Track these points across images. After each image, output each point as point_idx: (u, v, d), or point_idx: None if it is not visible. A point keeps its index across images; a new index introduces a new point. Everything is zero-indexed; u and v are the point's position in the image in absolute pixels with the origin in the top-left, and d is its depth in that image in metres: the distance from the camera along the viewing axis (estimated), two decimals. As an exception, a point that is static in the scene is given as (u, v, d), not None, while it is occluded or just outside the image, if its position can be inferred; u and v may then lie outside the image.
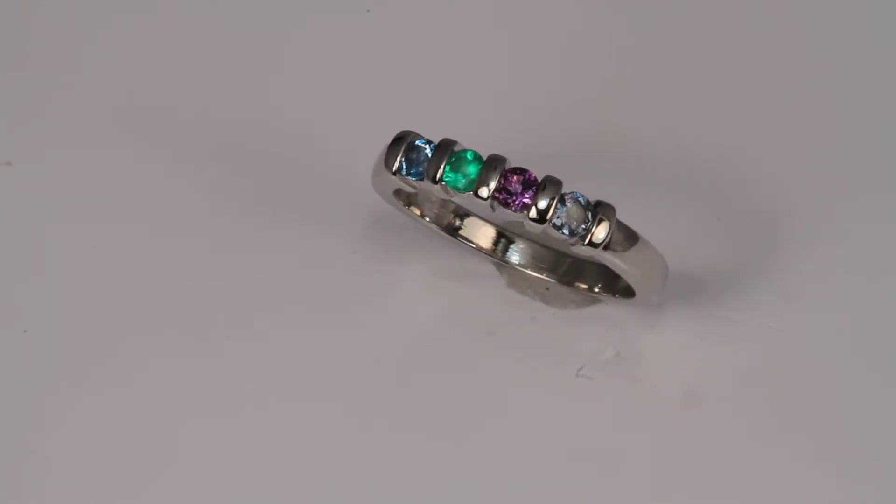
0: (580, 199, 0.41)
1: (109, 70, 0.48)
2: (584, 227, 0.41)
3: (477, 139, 0.42)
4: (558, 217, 0.41)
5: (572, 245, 0.42)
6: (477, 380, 0.44)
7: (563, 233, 0.41)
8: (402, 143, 0.42)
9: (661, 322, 0.45)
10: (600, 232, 0.41)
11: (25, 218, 0.45)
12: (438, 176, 0.41)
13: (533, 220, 0.41)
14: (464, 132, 0.42)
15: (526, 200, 0.41)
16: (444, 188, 0.41)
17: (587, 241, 0.41)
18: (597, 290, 0.45)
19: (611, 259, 0.42)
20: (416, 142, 0.42)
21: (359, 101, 0.47)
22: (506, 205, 0.41)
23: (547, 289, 0.46)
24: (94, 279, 0.45)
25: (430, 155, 0.41)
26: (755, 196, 0.47)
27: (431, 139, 0.42)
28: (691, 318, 0.45)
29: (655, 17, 0.49)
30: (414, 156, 0.42)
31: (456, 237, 0.45)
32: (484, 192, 0.41)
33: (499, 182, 0.41)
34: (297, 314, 0.44)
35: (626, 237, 0.42)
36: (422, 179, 0.41)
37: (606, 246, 0.41)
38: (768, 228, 0.46)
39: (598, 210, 0.41)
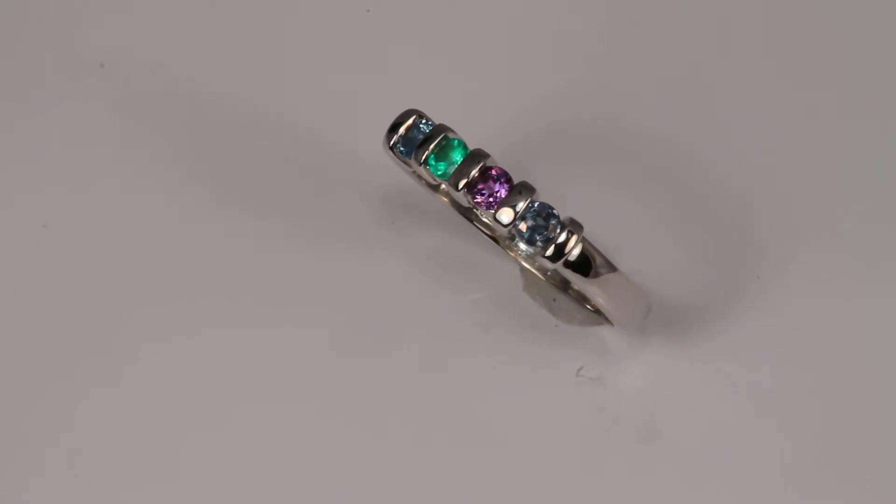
0: (552, 210, 0.42)
1: (108, 68, 0.49)
2: (549, 236, 0.41)
3: (477, 133, 0.43)
4: (522, 221, 0.42)
5: (536, 254, 0.42)
6: (450, 372, 0.45)
7: (524, 237, 0.42)
8: (405, 121, 0.43)
9: (646, 353, 0.44)
10: (563, 245, 0.41)
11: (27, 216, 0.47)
12: (423, 158, 0.42)
13: (499, 220, 0.42)
14: (465, 127, 0.43)
15: (496, 199, 0.42)
16: (428, 172, 0.43)
17: (548, 251, 0.41)
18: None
19: (580, 283, 0.42)
20: (419, 122, 0.43)
21: (359, 99, 0.48)
22: (477, 201, 0.42)
23: (554, 300, 0.46)
24: (112, 262, 0.46)
25: (423, 137, 0.43)
26: (749, 220, 0.46)
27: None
28: (674, 352, 0.44)
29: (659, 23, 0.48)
30: (411, 135, 0.43)
31: (471, 220, 0.46)
32: (460, 182, 0.42)
33: (475, 176, 0.42)
34: (288, 298, 0.45)
35: (602, 264, 0.42)
36: (409, 158, 0.43)
37: (570, 264, 0.41)
38: (763, 256, 0.45)
39: (567, 224, 0.41)
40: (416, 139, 0.43)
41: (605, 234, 0.44)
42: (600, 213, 0.44)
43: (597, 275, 0.42)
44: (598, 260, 0.42)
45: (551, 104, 0.47)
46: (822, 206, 0.46)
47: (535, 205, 0.42)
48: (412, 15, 0.49)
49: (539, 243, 0.41)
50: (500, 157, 0.43)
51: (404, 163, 0.43)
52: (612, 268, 0.42)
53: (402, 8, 0.49)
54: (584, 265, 0.42)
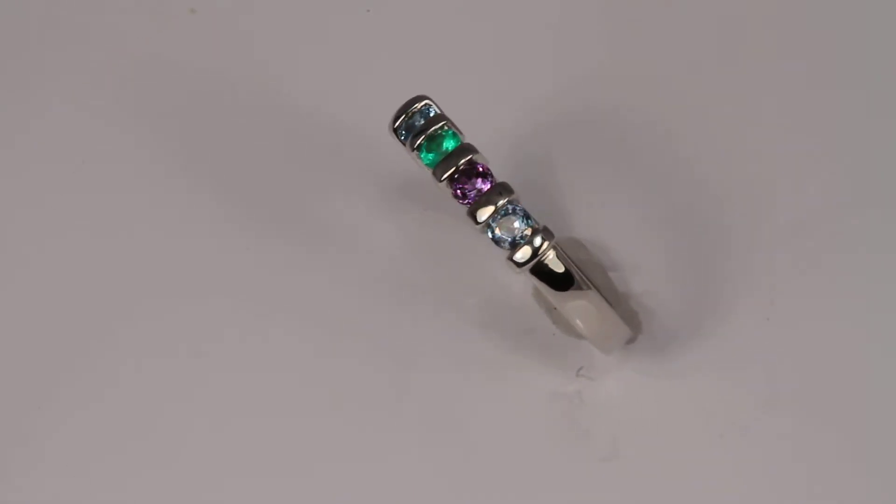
0: (526, 214, 0.41)
1: (109, 66, 0.49)
2: (517, 241, 0.41)
3: (476, 133, 0.42)
4: (494, 220, 0.41)
5: (505, 256, 0.41)
6: (439, 374, 0.44)
7: (493, 237, 0.41)
8: (412, 105, 0.43)
9: (628, 369, 0.43)
10: (534, 252, 0.40)
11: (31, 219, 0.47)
12: (416, 145, 0.42)
13: (473, 216, 0.41)
14: (466, 127, 0.42)
15: (474, 196, 0.41)
16: (418, 159, 0.42)
17: (515, 255, 0.41)
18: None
19: (554, 298, 0.41)
20: (425, 109, 0.43)
21: (359, 99, 0.47)
22: (456, 195, 0.41)
23: (555, 308, 0.45)
24: (112, 262, 0.46)
25: (421, 124, 0.42)
26: (746, 222, 0.44)
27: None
28: (657, 368, 0.43)
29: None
30: (413, 121, 0.43)
31: None
32: (443, 174, 0.42)
33: (458, 170, 0.41)
34: (285, 297, 0.45)
35: (581, 281, 0.41)
36: (405, 142, 0.43)
37: (540, 274, 0.41)
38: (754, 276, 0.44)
39: (540, 231, 0.41)
40: (415, 126, 0.43)
41: (602, 235, 0.43)
42: (597, 215, 0.44)
43: (577, 289, 0.41)
44: (576, 277, 0.41)
45: (551, 104, 0.45)
46: (823, 210, 0.44)
47: (511, 207, 0.41)
48: (412, 14, 0.48)
49: (507, 246, 0.41)
50: (500, 156, 0.42)
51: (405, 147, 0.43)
52: (588, 286, 0.41)
53: (401, 7, 0.48)
54: (555, 278, 0.41)
